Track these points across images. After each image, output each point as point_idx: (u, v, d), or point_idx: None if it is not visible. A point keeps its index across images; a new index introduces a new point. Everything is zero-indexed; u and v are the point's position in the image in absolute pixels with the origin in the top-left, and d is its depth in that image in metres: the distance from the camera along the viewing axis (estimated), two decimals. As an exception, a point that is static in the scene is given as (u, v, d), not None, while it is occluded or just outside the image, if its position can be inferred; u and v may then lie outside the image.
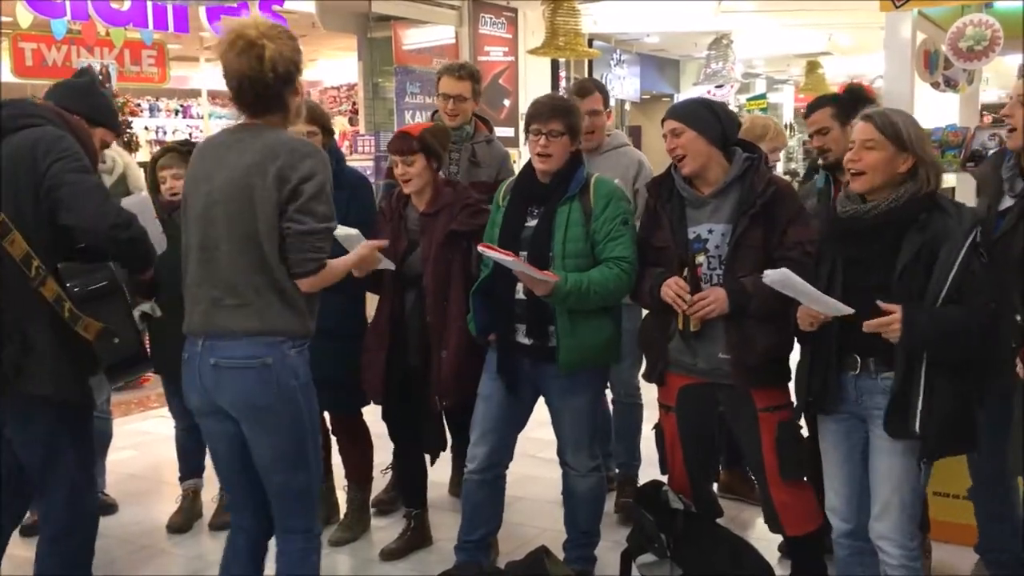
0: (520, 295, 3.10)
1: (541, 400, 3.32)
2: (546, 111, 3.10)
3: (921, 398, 2.46)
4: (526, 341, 3.13)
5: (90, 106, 2.92)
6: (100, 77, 7.35)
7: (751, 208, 2.87)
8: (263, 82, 2.47)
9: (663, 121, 3.02)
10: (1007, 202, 2.81)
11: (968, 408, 2.51)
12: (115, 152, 4.09)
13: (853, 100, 3.23)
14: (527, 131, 3.15)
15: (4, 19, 7.25)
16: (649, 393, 4.00)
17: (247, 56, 2.44)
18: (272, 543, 2.71)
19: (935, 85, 6.08)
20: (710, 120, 2.94)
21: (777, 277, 2.50)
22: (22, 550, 2.88)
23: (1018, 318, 2.58)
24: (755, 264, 2.85)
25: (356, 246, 3.26)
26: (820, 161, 3.52)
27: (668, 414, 3.15)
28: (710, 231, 2.94)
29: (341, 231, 3.23)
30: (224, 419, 2.55)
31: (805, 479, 2.98)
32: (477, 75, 4.03)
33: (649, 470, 3.73)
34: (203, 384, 2.52)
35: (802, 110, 18.46)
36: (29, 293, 2.53)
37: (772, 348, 2.84)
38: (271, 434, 2.53)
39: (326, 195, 2.51)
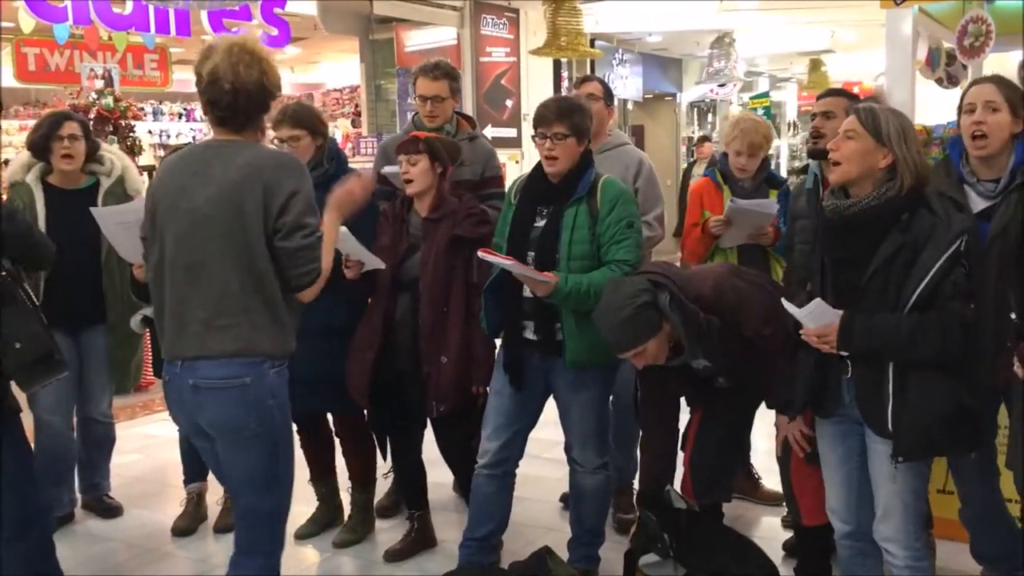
0: (528, 293, 3.11)
1: (551, 399, 3.33)
2: (550, 114, 3.11)
3: (891, 397, 2.44)
4: (534, 337, 3.15)
5: None
6: (103, 82, 7.39)
7: (712, 349, 2.86)
8: (263, 96, 2.50)
9: (618, 350, 2.85)
10: (980, 203, 2.79)
11: (953, 408, 2.43)
12: (113, 154, 4.09)
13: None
14: (534, 135, 3.16)
15: (7, 24, 7.28)
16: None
17: (254, 70, 2.46)
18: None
19: (939, 82, 6.07)
20: (646, 317, 2.78)
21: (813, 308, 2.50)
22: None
23: (1012, 316, 2.56)
24: (753, 356, 2.86)
25: (345, 244, 3.27)
26: (811, 144, 3.51)
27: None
28: (707, 364, 2.98)
29: None
30: (210, 438, 2.56)
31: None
32: (454, 73, 3.94)
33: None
34: (184, 405, 2.52)
35: (803, 108, 18.41)
36: None
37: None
38: (245, 454, 2.52)
39: (312, 206, 2.52)
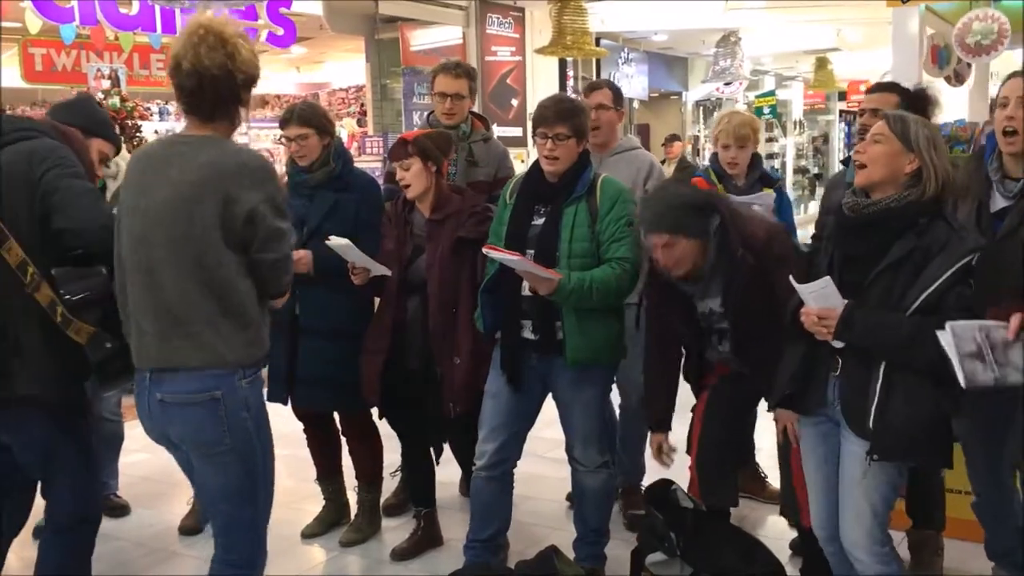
0: (526, 291, 3.10)
1: (549, 399, 3.32)
2: (551, 115, 3.11)
3: (877, 396, 2.43)
4: (532, 337, 3.14)
5: (85, 118, 3.11)
6: (110, 82, 7.41)
7: (734, 285, 2.86)
8: (231, 83, 2.34)
9: (646, 231, 2.86)
10: (1000, 202, 2.77)
11: (935, 417, 2.42)
12: (120, 156, 4.09)
13: (918, 99, 3.22)
14: (534, 134, 3.16)
15: (14, 24, 7.30)
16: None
17: (219, 53, 2.29)
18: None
19: (948, 80, 6.06)
20: (695, 216, 2.84)
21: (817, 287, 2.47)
22: (32, 551, 2.92)
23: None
24: (756, 325, 2.85)
25: (350, 254, 3.28)
26: (857, 140, 3.49)
27: (703, 393, 3.21)
28: (720, 305, 2.96)
29: (334, 241, 3.24)
30: (181, 448, 2.48)
31: None
32: (473, 73, 3.99)
33: (660, 472, 3.72)
34: (153, 418, 2.43)
35: (817, 105, 18.32)
36: (21, 298, 2.54)
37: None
38: (219, 469, 2.42)
39: (282, 208, 2.40)
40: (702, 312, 3.02)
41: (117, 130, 6.93)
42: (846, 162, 3.74)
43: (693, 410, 3.29)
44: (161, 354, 2.36)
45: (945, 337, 2.28)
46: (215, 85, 2.33)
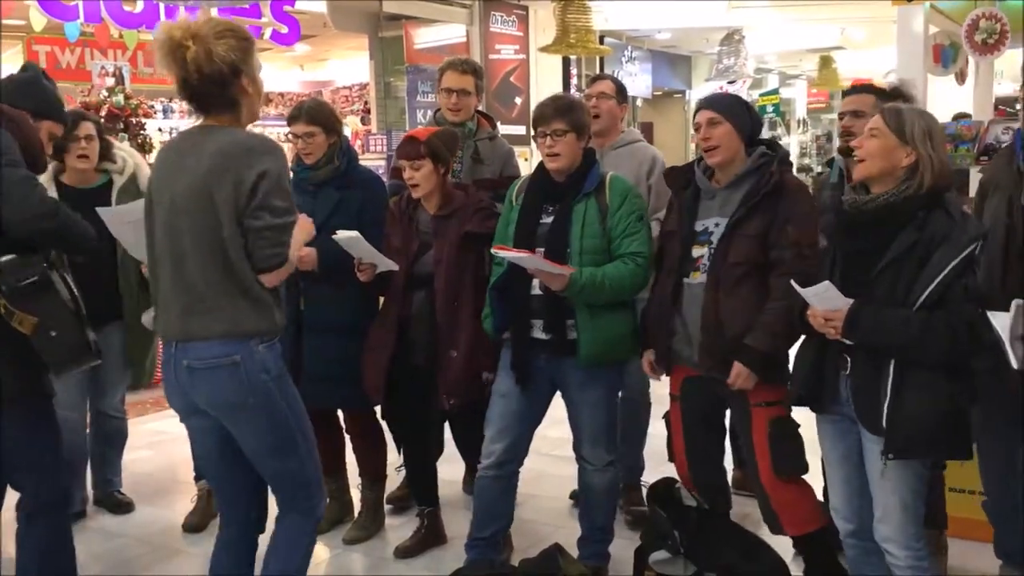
0: (536, 290, 3.11)
1: (555, 397, 3.33)
2: (548, 112, 3.14)
3: (888, 394, 2.44)
4: (543, 336, 3.14)
5: (34, 100, 3.04)
6: (114, 80, 7.41)
7: (752, 199, 2.89)
8: (189, 83, 2.45)
9: (697, 111, 3.04)
10: None
11: (950, 411, 2.43)
12: (126, 152, 4.10)
13: (894, 98, 3.23)
14: (534, 135, 3.19)
15: (18, 22, 7.31)
16: (658, 390, 4.00)
17: (172, 58, 2.43)
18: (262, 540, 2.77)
19: (956, 77, 6.05)
20: (744, 116, 3.00)
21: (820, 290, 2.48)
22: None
23: None
24: (748, 255, 2.87)
25: (358, 248, 3.29)
26: (841, 143, 3.49)
27: (674, 403, 3.20)
28: (716, 224, 2.97)
29: (342, 234, 3.25)
30: (206, 416, 2.58)
31: (803, 478, 2.98)
32: (480, 71, 4.04)
33: (660, 468, 3.72)
34: (180, 385, 2.55)
35: (819, 103, 18.24)
36: None
37: (740, 336, 2.85)
38: (252, 428, 2.56)
39: (284, 190, 2.50)
40: (693, 231, 3.01)
41: (122, 127, 7.03)
42: (830, 163, 3.74)
43: (665, 417, 3.28)
44: (185, 327, 2.50)
45: (1000, 318, 2.29)
46: (183, 86, 2.47)
